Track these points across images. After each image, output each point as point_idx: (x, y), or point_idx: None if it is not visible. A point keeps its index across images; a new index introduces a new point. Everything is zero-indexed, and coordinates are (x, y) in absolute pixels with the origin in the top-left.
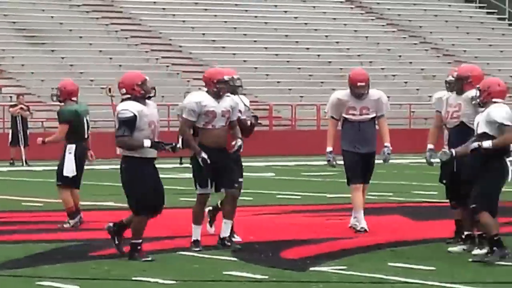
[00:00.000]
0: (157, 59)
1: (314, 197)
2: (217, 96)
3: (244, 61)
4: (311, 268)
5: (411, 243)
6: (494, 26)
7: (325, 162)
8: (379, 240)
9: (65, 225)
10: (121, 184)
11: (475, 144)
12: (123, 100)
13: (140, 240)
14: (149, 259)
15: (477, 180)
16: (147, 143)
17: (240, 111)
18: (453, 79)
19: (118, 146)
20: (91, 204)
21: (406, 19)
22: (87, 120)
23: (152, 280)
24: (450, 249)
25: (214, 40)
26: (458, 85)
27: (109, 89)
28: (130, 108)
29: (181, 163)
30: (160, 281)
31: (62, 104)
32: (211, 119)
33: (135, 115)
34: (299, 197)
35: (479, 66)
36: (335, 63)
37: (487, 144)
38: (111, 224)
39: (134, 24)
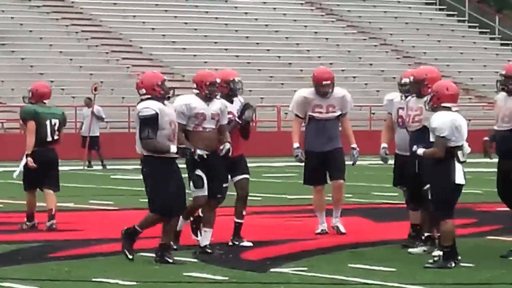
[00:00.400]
0: (117, 60)
1: (275, 198)
2: (207, 98)
3: (205, 62)
4: (272, 269)
5: (371, 245)
6: (454, 28)
7: (285, 164)
8: (339, 241)
9: (23, 226)
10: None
11: (414, 148)
12: (142, 100)
13: (141, 231)
14: (130, 257)
15: (431, 185)
16: (173, 148)
17: (232, 114)
18: (406, 81)
19: (144, 148)
20: None
21: (366, 21)
22: (54, 124)
23: (112, 281)
24: (410, 250)
25: (174, 42)
26: (416, 88)
27: (95, 87)
28: (151, 106)
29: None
30: (121, 282)
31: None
32: (201, 121)
33: (157, 113)
34: (259, 198)
35: (439, 68)
36: (295, 65)
37: (420, 151)
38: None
39: (95, 25)
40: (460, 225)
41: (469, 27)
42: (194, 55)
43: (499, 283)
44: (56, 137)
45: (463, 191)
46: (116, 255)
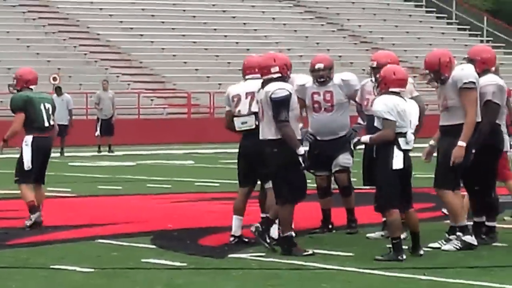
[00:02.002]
0: (74, 47)
1: (233, 184)
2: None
3: (162, 48)
4: (230, 255)
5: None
6: (411, 13)
7: None
8: (297, 226)
9: (27, 223)
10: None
11: (355, 139)
12: (269, 80)
13: (294, 233)
14: (310, 253)
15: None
16: (301, 150)
17: None
18: (320, 66)
19: (282, 131)
20: (8, 192)
21: (324, 6)
22: (47, 108)
23: (70, 268)
24: (368, 235)
25: (132, 28)
26: (376, 73)
27: (54, 77)
28: (285, 87)
29: (99, 151)
30: (78, 269)
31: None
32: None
33: (290, 93)
34: (217, 184)
35: (396, 53)
36: (253, 51)
37: (365, 138)
38: (257, 225)
39: (52, 12)
40: (418, 209)
41: (426, 12)
42: (152, 42)
43: (456, 267)
44: (51, 123)
45: (421, 176)
46: (73, 242)
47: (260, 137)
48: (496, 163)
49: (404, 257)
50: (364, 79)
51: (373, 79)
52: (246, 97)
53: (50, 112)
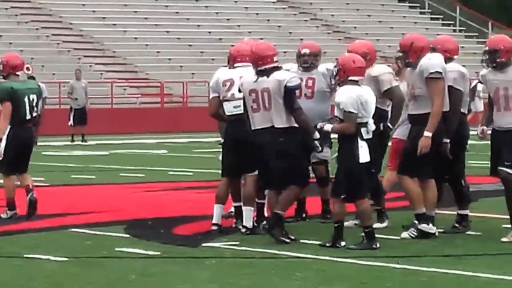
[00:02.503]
0: (47, 36)
1: (206, 173)
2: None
3: (135, 38)
4: (204, 244)
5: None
6: (384, 3)
7: (216, 139)
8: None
9: (2, 216)
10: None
11: (320, 124)
12: (273, 69)
13: (284, 213)
14: (286, 241)
15: (338, 164)
16: (316, 135)
17: None
18: (307, 51)
19: (298, 118)
20: None
21: None
22: (32, 99)
23: (44, 257)
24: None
25: (105, 18)
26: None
27: (27, 67)
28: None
29: (72, 141)
30: (52, 258)
31: (5, 80)
32: None
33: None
34: (191, 173)
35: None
36: (226, 40)
37: (328, 127)
38: (264, 224)
39: (24, 1)
40: (391, 198)
41: (399, 1)
42: (125, 31)
43: (430, 255)
44: (34, 114)
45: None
46: (47, 231)
47: (258, 127)
48: (463, 151)
49: (378, 245)
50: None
51: None
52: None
53: (35, 103)
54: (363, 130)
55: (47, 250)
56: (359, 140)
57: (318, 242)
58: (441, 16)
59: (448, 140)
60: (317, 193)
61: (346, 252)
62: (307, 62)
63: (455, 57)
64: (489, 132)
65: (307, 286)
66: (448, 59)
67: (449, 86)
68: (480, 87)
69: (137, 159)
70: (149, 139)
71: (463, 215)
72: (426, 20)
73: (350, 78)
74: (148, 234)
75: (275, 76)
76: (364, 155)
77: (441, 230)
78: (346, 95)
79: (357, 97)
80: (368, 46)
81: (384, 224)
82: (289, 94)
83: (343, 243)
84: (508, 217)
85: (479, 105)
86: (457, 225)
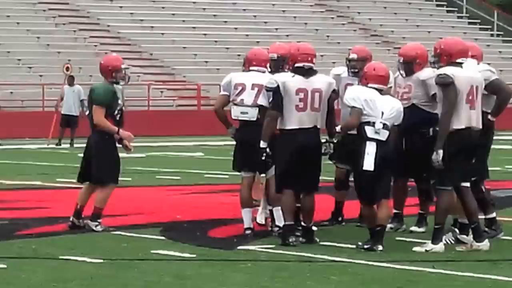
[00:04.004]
0: (85, 38)
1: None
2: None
3: (173, 40)
4: (239, 247)
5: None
6: (422, 7)
7: None
8: None
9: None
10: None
11: (337, 128)
12: (314, 70)
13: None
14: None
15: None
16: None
17: None
18: (354, 56)
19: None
20: (17, 183)
21: None
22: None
23: (79, 259)
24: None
25: (142, 20)
26: (407, 67)
27: (67, 67)
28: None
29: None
30: (88, 260)
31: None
32: None
33: None
34: (227, 176)
35: None
36: (263, 43)
37: (338, 127)
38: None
39: (62, 3)
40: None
41: (437, 5)
42: (162, 34)
43: (465, 260)
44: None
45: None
46: (83, 233)
47: (308, 126)
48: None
49: (380, 248)
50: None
51: (403, 73)
52: (253, 88)
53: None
54: (368, 128)
55: (83, 252)
56: (367, 145)
57: (354, 246)
58: (479, 21)
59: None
60: (355, 197)
61: (381, 256)
62: (355, 67)
63: (481, 63)
64: None
65: None
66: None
67: (495, 80)
68: None
69: (174, 162)
70: (185, 141)
71: (491, 219)
72: (464, 24)
73: (369, 85)
74: (183, 237)
75: (324, 78)
76: (369, 162)
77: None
78: (350, 92)
79: (360, 93)
80: (418, 50)
81: (422, 229)
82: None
83: (380, 247)
84: None
85: None
86: (487, 229)
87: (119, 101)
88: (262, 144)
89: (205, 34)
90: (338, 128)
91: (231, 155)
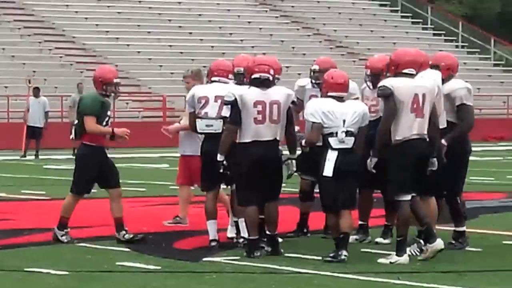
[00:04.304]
0: (50, 50)
1: None
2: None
3: (138, 52)
4: (205, 259)
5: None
6: (387, 18)
7: None
8: None
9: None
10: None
11: (301, 140)
12: (272, 82)
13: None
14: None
15: None
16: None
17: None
18: (316, 68)
19: (293, 133)
20: None
21: (299, 10)
22: None
23: (44, 271)
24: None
25: (107, 31)
26: (375, 79)
27: (29, 80)
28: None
29: (74, 154)
30: (53, 271)
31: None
32: None
33: None
34: (192, 188)
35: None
36: (228, 55)
37: (303, 141)
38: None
39: (27, 15)
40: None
41: (402, 17)
42: (127, 45)
43: (430, 271)
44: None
45: None
46: (48, 245)
47: (267, 138)
48: (465, 168)
49: (344, 253)
50: (306, 79)
51: (370, 85)
52: (216, 100)
53: None
54: (331, 139)
55: (48, 264)
56: (329, 153)
57: (319, 258)
58: (444, 32)
59: (445, 143)
60: (320, 209)
61: (347, 267)
62: (318, 78)
63: (456, 74)
64: None
65: None
66: (450, 76)
67: (462, 104)
68: None
69: (139, 173)
70: (151, 153)
71: (460, 232)
72: (429, 35)
73: (329, 93)
74: (148, 249)
75: (284, 91)
76: (328, 168)
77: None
78: (308, 107)
79: (318, 107)
80: (385, 62)
81: (387, 241)
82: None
83: (344, 253)
84: (509, 233)
85: None
86: (453, 241)
87: (108, 113)
88: (219, 158)
89: (170, 46)
90: (303, 142)
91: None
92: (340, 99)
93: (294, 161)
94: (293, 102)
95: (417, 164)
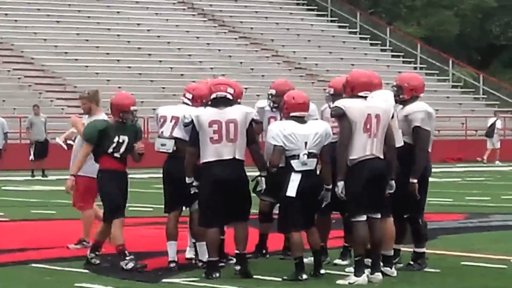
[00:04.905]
0: (8, 71)
1: None
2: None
3: (97, 73)
4: (164, 280)
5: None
6: (346, 40)
7: None
8: (230, 251)
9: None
10: None
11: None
12: (230, 102)
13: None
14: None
15: None
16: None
17: None
18: (273, 92)
19: (258, 150)
20: None
21: (258, 32)
22: None
23: None
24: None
25: (66, 52)
26: (337, 99)
27: None
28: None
29: (33, 176)
30: None
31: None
32: None
33: None
34: (151, 209)
35: (331, 80)
36: (187, 76)
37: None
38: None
39: None
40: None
41: (361, 38)
42: (86, 66)
43: None
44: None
45: None
46: (6, 266)
47: (226, 157)
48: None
49: (305, 276)
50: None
51: (331, 105)
52: (171, 121)
53: None
54: (294, 162)
55: (6, 285)
56: (293, 174)
57: (278, 279)
58: (402, 54)
59: (415, 180)
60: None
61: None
62: (275, 102)
63: (421, 95)
64: None
65: None
66: (414, 97)
67: (417, 127)
68: (499, 124)
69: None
70: None
71: (419, 253)
72: (387, 57)
73: (291, 114)
74: (107, 270)
75: (243, 109)
76: (292, 189)
77: (400, 265)
78: (270, 131)
79: (278, 131)
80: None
81: (346, 262)
82: (252, 127)
83: (304, 276)
84: (467, 254)
85: (496, 143)
86: (412, 263)
87: (118, 138)
88: (188, 180)
89: (129, 67)
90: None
91: (155, 188)
92: (302, 119)
93: (263, 179)
94: (256, 121)
95: (372, 184)
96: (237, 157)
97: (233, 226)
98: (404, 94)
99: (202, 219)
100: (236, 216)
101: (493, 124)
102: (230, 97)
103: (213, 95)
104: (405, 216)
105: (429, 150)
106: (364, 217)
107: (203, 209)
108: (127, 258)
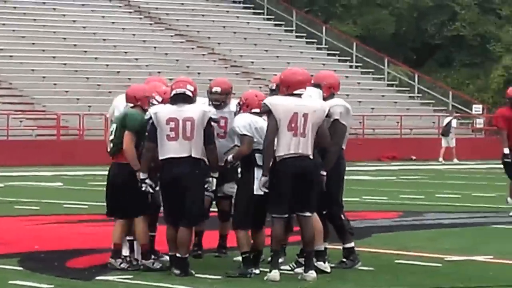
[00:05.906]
0: None
1: (101, 206)
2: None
3: (32, 70)
4: (97, 277)
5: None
6: (282, 38)
7: None
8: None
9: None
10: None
11: (228, 157)
12: (190, 99)
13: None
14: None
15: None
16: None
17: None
18: (218, 90)
19: (214, 151)
20: None
21: (194, 30)
22: None
23: None
24: (235, 258)
25: (2, 49)
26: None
27: None
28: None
29: None
30: None
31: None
32: None
33: None
34: (86, 206)
35: (266, 78)
36: (123, 73)
37: (230, 157)
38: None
39: None
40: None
41: (297, 37)
42: (21, 63)
43: None
44: None
45: None
46: None
47: (181, 155)
48: (341, 186)
49: (255, 271)
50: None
51: None
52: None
53: None
54: (258, 156)
55: None
56: (256, 171)
57: (213, 276)
58: (338, 52)
59: (325, 173)
60: (214, 227)
61: (241, 285)
62: (218, 100)
63: (337, 92)
64: None
65: None
66: (331, 95)
67: (336, 120)
68: (454, 123)
69: (32, 192)
70: (44, 171)
71: (349, 249)
72: (323, 55)
73: (253, 110)
74: (41, 267)
75: (201, 107)
76: (258, 187)
77: (333, 265)
78: (239, 119)
79: (250, 121)
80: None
81: (281, 259)
82: (210, 126)
83: (257, 271)
84: (402, 252)
85: (452, 141)
86: (344, 260)
87: None
88: (142, 176)
89: (65, 64)
90: (230, 158)
91: (90, 185)
92: (261, 116)
93: (214, 180)
94: (214, 120)
95: (298, 182)
96: (193, 155)
97: (179, 229)
98: (324, 92)
99: (164, 215)
100: (183, 218)
101: (449, 123)
102: (190, 94)
103: (173, 92)
104: (324, 212)
105: (344, 147)
106: (284, 215)
107: (164, 206)
108: (121, 258)
